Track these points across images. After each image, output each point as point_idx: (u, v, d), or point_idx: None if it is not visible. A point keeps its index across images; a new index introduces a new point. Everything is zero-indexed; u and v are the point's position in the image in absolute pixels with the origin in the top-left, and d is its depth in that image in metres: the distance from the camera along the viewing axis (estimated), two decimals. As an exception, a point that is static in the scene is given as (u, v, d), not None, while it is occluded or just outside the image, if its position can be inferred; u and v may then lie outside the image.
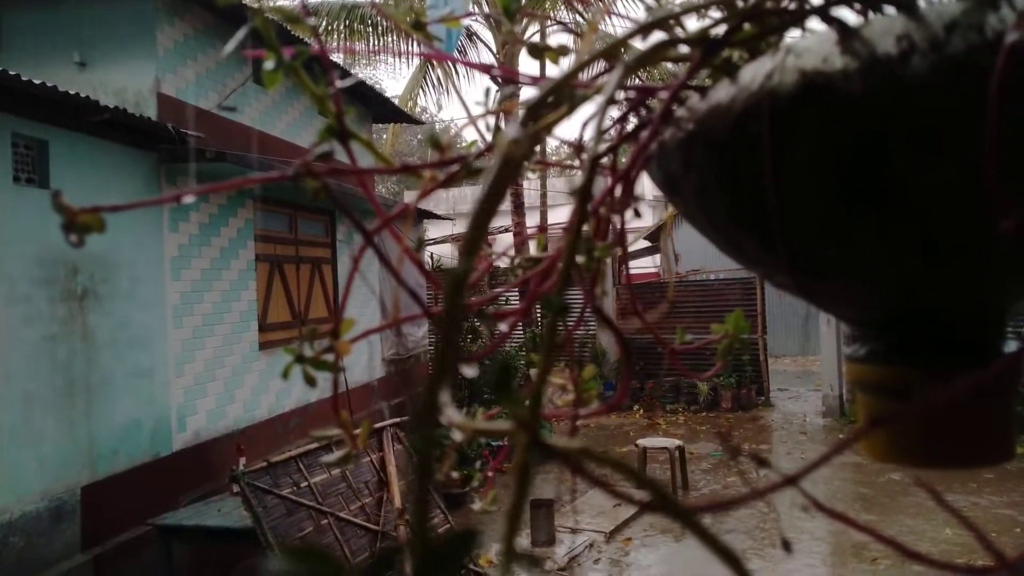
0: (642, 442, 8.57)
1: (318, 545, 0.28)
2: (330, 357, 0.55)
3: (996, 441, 0.47)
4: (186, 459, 7.03)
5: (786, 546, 0.63)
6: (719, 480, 8.60)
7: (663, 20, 0.50)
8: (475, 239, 0.37)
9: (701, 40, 0.49)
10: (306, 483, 5.29)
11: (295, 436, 8.65)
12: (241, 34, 0.53)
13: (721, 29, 0.48)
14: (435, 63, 13.42)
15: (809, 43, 0.44)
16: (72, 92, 5.58)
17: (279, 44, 0.50)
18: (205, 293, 7.53)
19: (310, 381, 0.52)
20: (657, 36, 0.51)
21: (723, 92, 0.47)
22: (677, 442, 8.54)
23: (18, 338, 5.37)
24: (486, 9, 13.27)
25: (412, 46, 13.59)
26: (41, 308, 5.56)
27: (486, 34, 14.70)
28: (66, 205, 0.44)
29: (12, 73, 5.00)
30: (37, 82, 5.20)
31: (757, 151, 0.44)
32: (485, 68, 0.67)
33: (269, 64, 0.50)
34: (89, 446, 5.95)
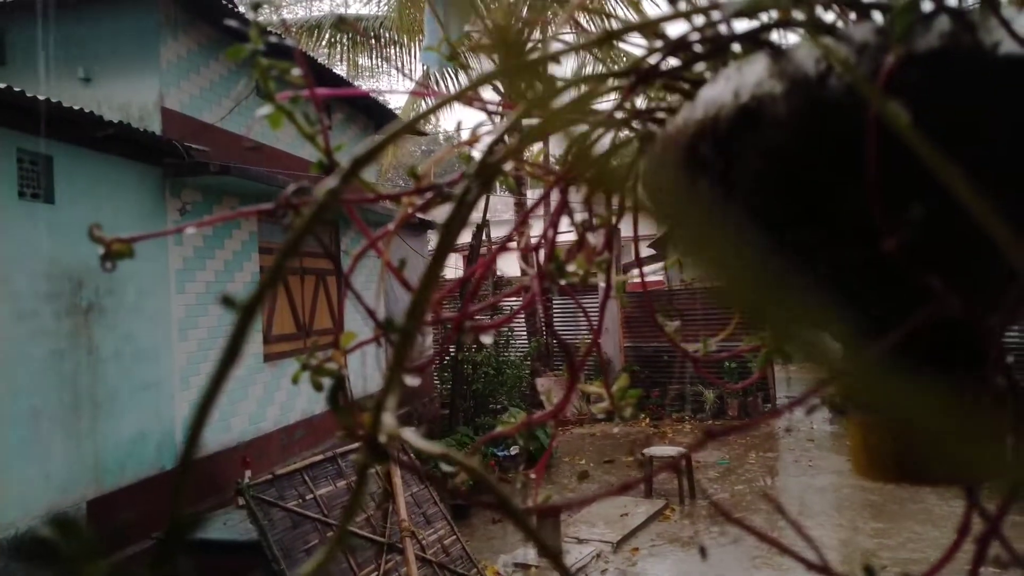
0: (648, 451, 8.54)
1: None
2: (334, 366, 0.56)
3: (989, 456, 0.47)
4: (192, 472, 7.02)
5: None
6: (727, 488, 8.57)
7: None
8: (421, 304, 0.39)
9: (633, 72, 0.50)
10: (311, 495, 5.28)
11: (300, 448, 8.65)
12: (248, 87, 0.55)
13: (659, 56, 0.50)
14: (436, 76, 13.48)
15: (746, 67, 0.45)
16: (77, 108, 5.61)
17: (276, 51, 0.52)
18: (210, 305, 7.54)
19: (317, 387, 0.54)
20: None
21: (682, 116, 0.48)
22: (683, 450, 8.51)
23: (24, 353, 5.38)
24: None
25: (414, 60, 13.66)
26: (47, 323, 5.58)
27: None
28: (102, 236, 0.46)
29: (17, 89, 5.03)
30: (42, 98, 5.23)
31: (709, 171, 0.46)
32: (477, 98, 0.68)
33: (266, 110, 0.54)
34: (95, 460, 5.95)
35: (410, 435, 0.36)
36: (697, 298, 13.28)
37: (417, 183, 0.56)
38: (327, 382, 0.58)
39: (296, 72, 0.53)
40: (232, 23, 7.52)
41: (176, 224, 7.04)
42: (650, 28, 0.49)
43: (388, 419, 0.38)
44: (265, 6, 0.55)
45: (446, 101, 0.52)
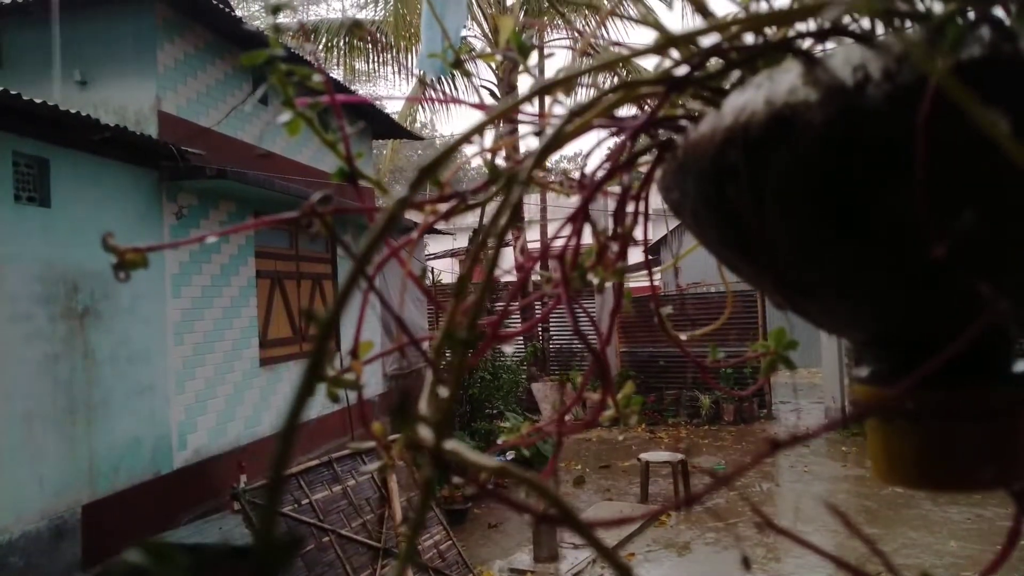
0: (644, 456, 8.54)
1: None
2: (351, 376, 0.56)
3: (1002, 462, 0.47)
4: (187, 476, 7.01)
5: (746, 564, 0.63)
6: (723, 494, 8.56)
7: (614, 63, 0.52)
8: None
9: (665, 80, 0.51)
10: (307, 500, 5.27)
11: (296, 452, 8.61)
12: (259, 89, 0.55)
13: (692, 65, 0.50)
14: (434, 81, 13.48)
15: (778, 75, 0.45)
16: (73, 111, 5.61)
17: (282, 59, 0.52)
18: (206, 310, 7.53)
19: (334, 398, 0.54)
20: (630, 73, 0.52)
21: (707, 123, 0.48)
22: (679, 456, 8.51)
23: (19, 356, 5.37)
24: (485, 26, 13.34)
25: (411, 64, 13.67)
26: (42, 326, 5.57)
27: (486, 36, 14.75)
28: (115, 245, 0.46)
29: (13, 92, 5.02)
30: (38, 101, 5.22)
31: (737, 179, 0.46)
32: (481, 107, 0.69)
33: (285, 117, 0.53)
34: (90, 464, 5.93)
35: (463, 448, 0.36)
36: (691, 303, 13.30)
37: (440, 190, 0.56)
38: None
39: (318, 78, 0.53)
40: (241, 28, 7.53)
41: (172, 227, 7.04)
42: (688, 39, 0.49)
43: (426, 432, 0.38)
44: (271, 11, 0.54)
45: (498, 115, 0.52)
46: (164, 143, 6.70)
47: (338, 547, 5.18)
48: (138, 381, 6.53)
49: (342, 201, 0.53)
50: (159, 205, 6.94)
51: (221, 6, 7.44)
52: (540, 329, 14.14)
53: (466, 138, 0.51)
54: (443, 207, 0.57)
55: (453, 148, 0.48)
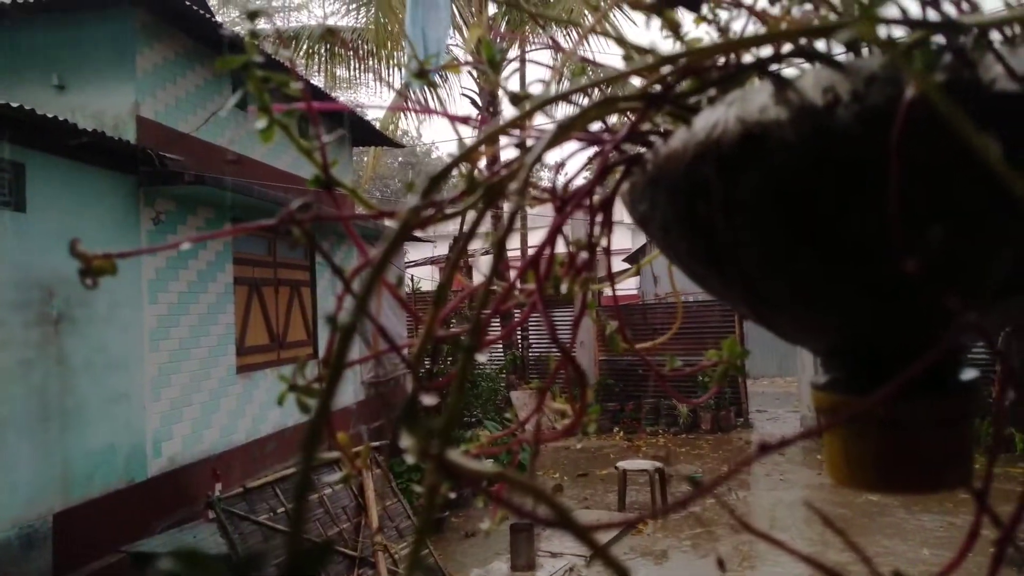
0: (622, 464, 8.56)
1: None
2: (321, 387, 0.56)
3: (955, 466, 0.50)
4: (161, 485, 6.93)
5: (721, 565, 0.64)
6: (699, 502, 8.60)
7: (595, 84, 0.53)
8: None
9: (642, 96, 0.52)
10: (283, 509, 5.23)
11: (272, 461, 8.56)
12: (235, 97, 0.55)
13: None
14: (414, 90, 13.48)
15: (750, 94, 0.47)
16: (50, 115, 5.55)
17: (260, 68, 0.52)
18: (182, 316, 7.47)
19: (304, 408, 0.54)
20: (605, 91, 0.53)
21: (679, 138, 0.50)
22: (657, 464, 8.54)
23: (-9, 362, 5.29)
24: (467, 35, 13.36)
25: (392, 72, 13.66)
26: (15, 332, 5.49)
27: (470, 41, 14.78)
28: (83, 251, 0.46)
29: (-11, 96, 4.97)
30: (15, 105, 5.17)
31: (708, 194, 0.48)
32: (463, 119, 0.70)
33: (261, 124, 0.53)
34: (63, 472, 5.86)
35: (459, 456, 0.37)
36: (670, 312, 13.37)
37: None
38: (309, 401, 0.58)
39: (296, 86, 0.53)
40: (218, 33, 7.49)
41: (150, 233, 6.98)
42: (669, 60, 0.51)
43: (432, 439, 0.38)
44: (248, 18, 0.54)
45: (499, 131, 0.53)
46: (142, 148, 6.65)
47: (315, 556, 5.14)
48: (113, 388, 6.45)
49: (322, 208, 0.53)
50: (136, 211, 6.88)
51: (201, 11, 7.41)
52: (519, 337, 14.14)
53: (474, 148, 0.52)
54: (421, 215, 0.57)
55: (462, 158, 0.49)
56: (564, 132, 0.50)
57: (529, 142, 0.55)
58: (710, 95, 0.52)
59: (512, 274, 0.63)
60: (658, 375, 0.68)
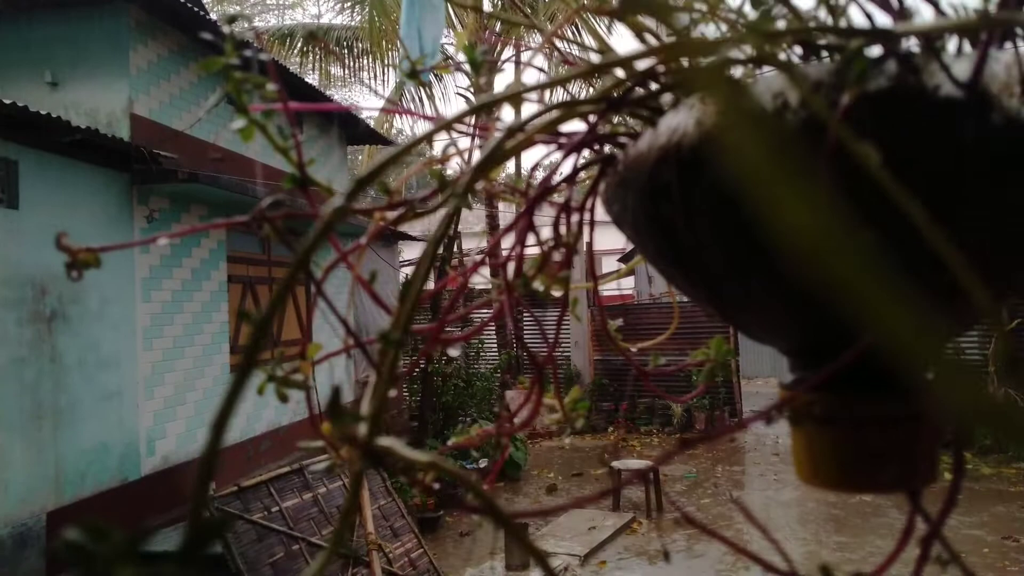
0: (616, 464, 8.57)
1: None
2: (300, 377, 0.57)
3: (920, 465, 0.50)
4: (155, 484, 6.91)
5: (666, 556, 0.65)
6: (693, 501, 8.61)
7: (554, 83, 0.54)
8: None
9: (603, 99, 0.53)
10: (277, 508, 5.22)
11: (266, 460, 8.55)
12: (217, 97, 0.56)
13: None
14: (409, 89, 13.47)
15: (708, 98, 0.48)
16: (43, 112, 5.53)
17: (240, 54, 0.53)
18: (176, 315, 7.45)
19: (283, 398, 0.55)
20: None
21: (645, 141, 0.51)
22: (651, 463, 8.55)
23: (-17, 360, 5.27)
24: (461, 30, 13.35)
25: (387, 71, 13.64)
26: (8, 330, 5.47)
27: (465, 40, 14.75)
28: (68, 245, 0.46)
29: (-18, 92, 4.95)
30: (7, 102, 5.15)
31: (670, 195, 0.48)
32: (430, 118, 0.71)
33: (239, 124, 0.54)
34: (56, 471, 5.84)
35: (395, 443, 0.37)
36: (663, 311, 13.38)
37: (389, 198, 0.57)
38: (311, 391, 0.59)
39: (271, 87, 0.54)
40: (205, 33, 7.48)
41: (143, 231, 6.96)
42: (627, 63, 0.51)
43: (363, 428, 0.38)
44: (239, 20, 0.55)
45: (443, 127, 0.54)
46: (136, 146, 6.63)
47: (308, 555, 5.14)
48: (106, 386, 6.43)
49: (295, 205, 0.54)
50: (130, 208, 6.86)
51: (195, 9, 7.39)
52: (513, 337, 14.13)
53: (406, 151, 0.53)
54: (391, 214, 0.58)
55: (388, 163, 0.50)
56: (517, 134, 0.50)
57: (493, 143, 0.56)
58: (674, 99, 0.53)
59: (470, 274, 0.64)
60: (642, 372, 0.68)
